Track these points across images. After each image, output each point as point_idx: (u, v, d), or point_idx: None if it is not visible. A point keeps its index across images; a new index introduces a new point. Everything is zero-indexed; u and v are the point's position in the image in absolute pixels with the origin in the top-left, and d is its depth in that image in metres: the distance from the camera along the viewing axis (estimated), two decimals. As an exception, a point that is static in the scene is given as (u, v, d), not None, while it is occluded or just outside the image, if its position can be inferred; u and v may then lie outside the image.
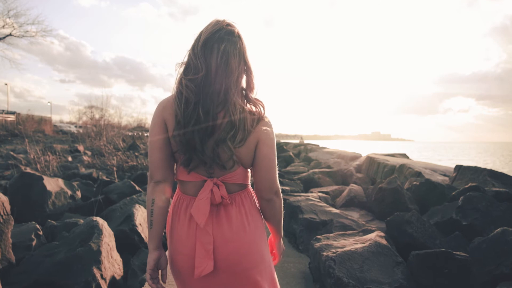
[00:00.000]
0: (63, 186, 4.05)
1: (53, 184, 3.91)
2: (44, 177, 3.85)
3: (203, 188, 1.00)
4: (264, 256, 1.06)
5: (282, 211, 1.12)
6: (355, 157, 9.03)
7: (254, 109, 1.00)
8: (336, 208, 4.00)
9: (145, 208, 3.62)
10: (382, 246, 2.33)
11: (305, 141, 24.47)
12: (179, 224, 1.04)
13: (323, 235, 2.64)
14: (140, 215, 3.33)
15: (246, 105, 0.99)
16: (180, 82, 0.97)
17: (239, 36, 1.00)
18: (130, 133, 21.77)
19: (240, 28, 1.03)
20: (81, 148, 12.70)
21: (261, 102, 1.03)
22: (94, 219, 2.58)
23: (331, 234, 2.67)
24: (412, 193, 3.88)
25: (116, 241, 2.84)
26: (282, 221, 1.15)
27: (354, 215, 3.62)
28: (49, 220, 3.17)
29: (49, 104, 38.91)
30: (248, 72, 1.01)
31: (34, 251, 2.63)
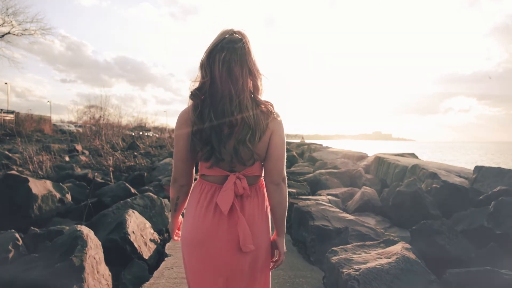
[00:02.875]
0: (51, 188, 3.73)
1: (39, 186, 3.59)
2: (30, 179, 3.53)
3: (227, 181, 1.11)
4: (268, 244, 1.21)
5: (287, 199, 1.20)
6: (362, 157, 8.68)
7: (265, 109, 1.09)
8: (348, 212, 3.67)
9: (139, 213, 3.32)
10: (412, 262, 1.99)
11: (306, 141, 24.12)
12: (203, 207, 1.12)
13: (339, 247, 2.31)
14: (133, 221, 3.00)
15: (258, 107, 1.08)
16: (191, 92, 1.09)
17: (242, 43, 1.05)
18: (130, 133, 21.46)
19: (248, 34, 1.09)
20: (79, 147, 12.39)
21: (269, 102, 1.11)
22: (78, 229, 2.26)
23: (349, 246, 2.34)
24: (432, 196, 3.54)
25: (105, 251, 2.51)
26: (286, 214, 1.22)
27: (370, 221, 3.28)
28: (32, 228, 2.85)
29: (48, 103, 38.68)
30: (253, 76, 1.07)
31: (11, 264, 2.30)
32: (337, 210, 3.20)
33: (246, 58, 1.05)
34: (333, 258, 2.15)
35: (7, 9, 20.61)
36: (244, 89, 1.05)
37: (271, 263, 1.25)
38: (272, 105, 1.11)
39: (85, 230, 2.29)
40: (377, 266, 1.93)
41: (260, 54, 1.12)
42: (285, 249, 1.26)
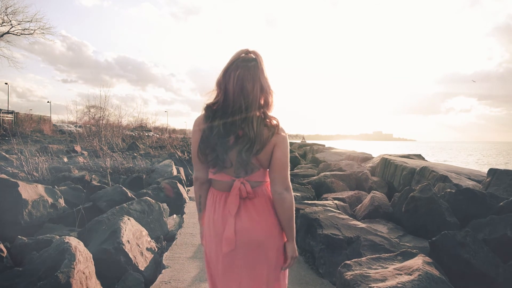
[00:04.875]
0: (43, 193, 3.53)
1: (30, 191, 3.39)
2: (20, 183, 3.33)
3: (233, 187, 1.21)
4: (274, 242, 1.24)
5: (293, 208, 1.25)
6: (367, 158, 8.47)
7: (269, 124, 1.18)
8: (357, 219, 3.46)
9: (135, 219, 3.14)
10: (436, 279, 1.79)
11: (308, 141, 23.89)
12: (217, 213, 1.24)
13: (353, 260, 2.10)
14: (129, 229, 2.80)
15: (264, 122, 1.17)
16: (206, 105, 1.21)
17: (255, 62, 1.17)
18: (131, 133, 21.25)
19: (261, 54, 1.19)
20: (78, 148, 12.18)
21: (276, 119, 1.20)
22: (66, 240, 2.06)
23: (363, 259, 2.13)
24: (447, 201, 3.33)
25: (97, 262, 2.32)
26: (294, 221, 1.26)
27: (382, 229, 3.07)
28: (19, 236, 2.65)
29: (48, 103, 38.52)
30: (264, 92, 1.17)
31: (-7, 278, 2.10)
32: (347, 217, 2.99)
33: (258, 75, 1.16)
34: (346, 273, 1.95)
35: (6, 9, 20.40)
36: (254, 104, 1.15)
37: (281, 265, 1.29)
38: (277, 121, 1.20)
39: (74, 242, 2.09)
40: (398, 285, 1.72)
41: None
42: (296, 254, 1.29)
